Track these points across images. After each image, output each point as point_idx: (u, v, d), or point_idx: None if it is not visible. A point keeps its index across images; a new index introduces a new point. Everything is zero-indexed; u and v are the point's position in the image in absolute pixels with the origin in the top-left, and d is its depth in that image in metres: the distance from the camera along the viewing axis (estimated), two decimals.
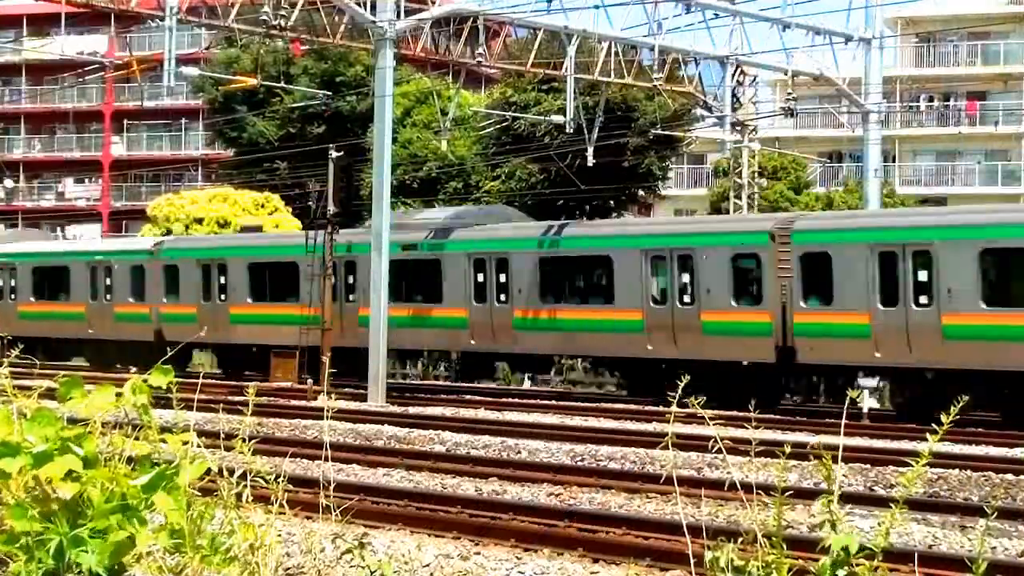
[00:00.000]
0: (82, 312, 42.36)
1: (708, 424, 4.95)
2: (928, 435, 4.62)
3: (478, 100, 53.49)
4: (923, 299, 26.59)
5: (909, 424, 25.24)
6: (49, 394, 5.81)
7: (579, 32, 33.43)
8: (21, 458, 4.07)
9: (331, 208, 34.04)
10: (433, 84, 50.60)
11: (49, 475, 4.07)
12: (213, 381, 34.67)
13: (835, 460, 4.74)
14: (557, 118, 36.34)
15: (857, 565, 4.33)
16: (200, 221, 52.70)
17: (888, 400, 28.92)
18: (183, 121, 75.27)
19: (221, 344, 38.83)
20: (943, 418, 4.57)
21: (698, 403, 4.99)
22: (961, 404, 5.01)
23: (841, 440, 4.76)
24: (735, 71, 36.61)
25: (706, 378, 27.13)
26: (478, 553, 12.55)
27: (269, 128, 55.81)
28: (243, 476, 5.34)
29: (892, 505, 4.57)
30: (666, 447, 4.83)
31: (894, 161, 64.91)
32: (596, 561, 12.21)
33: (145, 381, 4.57)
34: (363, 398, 30.82)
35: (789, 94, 37.21)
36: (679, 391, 5.15)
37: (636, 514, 14.91)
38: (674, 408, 5.19)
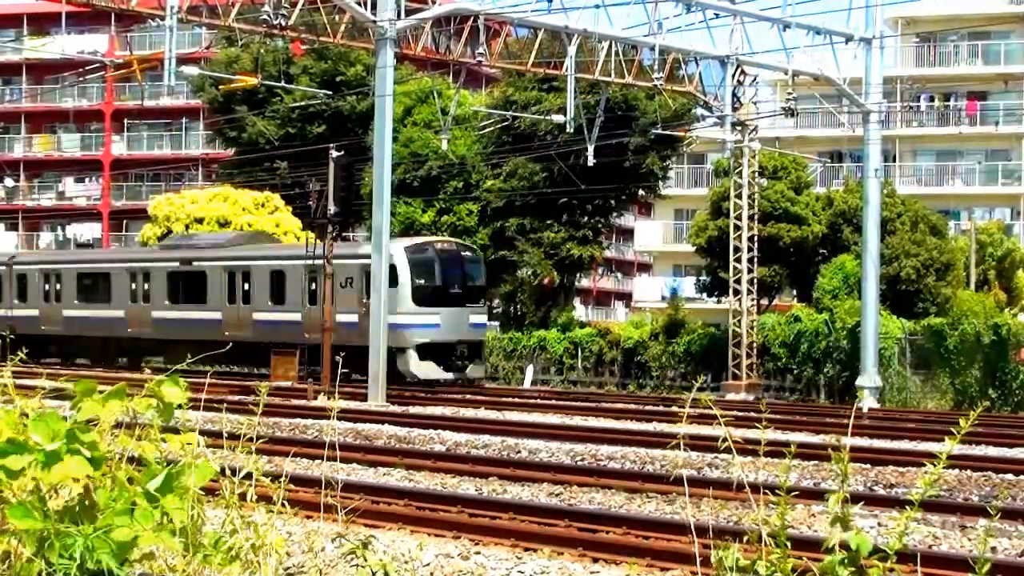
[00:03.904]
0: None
1: (716, 423, 4.95)
2: (947, 438, 4.61)
3: (478, 99, 53.48)
4: None
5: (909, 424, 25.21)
6: (54, 395, 5.81)
7: (579, 32, 33.42)
8: (29, 456, 4.08)
9: (331, 208, 34.03)
10: (433, 83, 50.60)
11: (61, 477, 4.08)
12: (216, 381, 34.63)
13: (840, 460, 4.74)
14: (558, 117, 36.34)
15: (870, 567, 4.32)
16: (200, 221, 52.71)
17: None
18: (183, 121, 75.28)
19: None
20: (962, 423, 4.56)
21: (709, 400, 4.99)
22: (979, 410, 4.99)
23: (848, 440, 4.75)
24: (735, 71, 36.60)
25: None
26: (478, 553, 12.55)
27: (269, 128, 55.78)
28: (246, 476, 5.34)
29: (907, 507, 4.56)
30: (674, 447, 4.84)
31: (894, 161, 64.90)
32: (596, 561, 12.22)
33: (159, 385, 4.57)
34: (363, 398, 30.83)
35: (789, 94, 37.18)
36: (692, 390, 5.14)
37: (636, 514, 14.92)
38: (687, 408, 5.19)
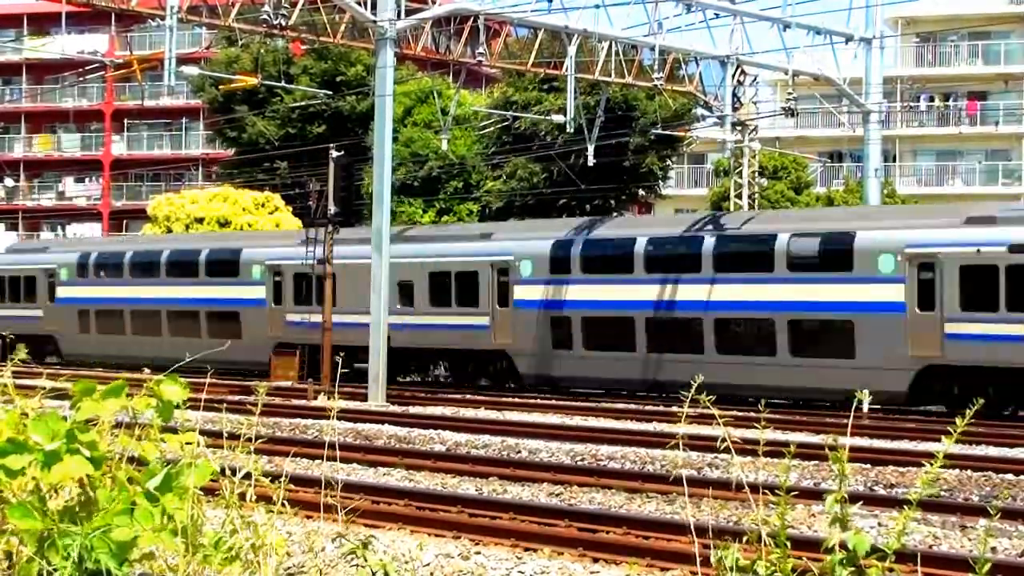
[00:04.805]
0: None
1: (716, 423, 4.95)
2: (944, 437, 4.61)
3: (478, 99, 53.52)
4: None
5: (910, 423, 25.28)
6: (54, 394, 5.82)
7: (579, 32, 33.42)
8: (29, 455, 4.08)
9: (331, 208, 34.02)
10: (433, 83, 50.65)
11: (61, 477, 4.08)
12: (217, 380, 34.61)
13: (839, 460, 4.75)
14: (558, 117, 36.33)
15: (869, 567, 4.32)
16: (201, 221, 52.74)
17: None
18: (183, 121, 75.28)
19: None
20: (959, 422, 4.56)
21: (709, 401, 4.98)
22: (975, 408, 4.99)
23: (848, 440, 4.75)
24: (735, 71, 36.60)
25: None
26: (478, 553, 12.55)
27: (269, 128, 55.82)
28: (246, 476, 5.34)
29: (906, 507, 4.56)
30: (673, 447, 4.85)
31: (894, 161, 64.90)
32: (596, 561, 12.22)
33: (159, 384, 4.57)
34: (363, 398, 30.82)
35: (789, 94, 37.20)
36: (691, 392, 5.16)
37: (636, 514, 14.92)
38: (686, 408, 5.19)
